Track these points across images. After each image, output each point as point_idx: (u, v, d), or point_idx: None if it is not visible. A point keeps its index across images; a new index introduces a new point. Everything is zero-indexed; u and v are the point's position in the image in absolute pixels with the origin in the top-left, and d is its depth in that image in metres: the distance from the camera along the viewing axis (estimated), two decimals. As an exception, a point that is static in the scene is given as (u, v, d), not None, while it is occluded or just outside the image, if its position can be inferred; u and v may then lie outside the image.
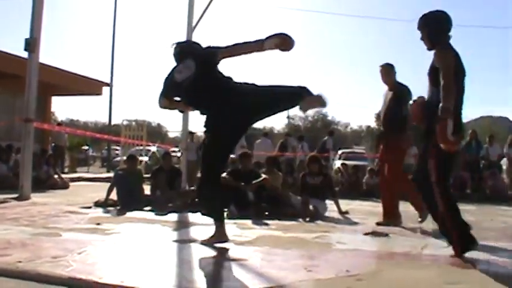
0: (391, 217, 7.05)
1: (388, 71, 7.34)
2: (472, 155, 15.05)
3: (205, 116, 5.02)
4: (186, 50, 5.16)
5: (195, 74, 4.89)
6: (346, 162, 19.52)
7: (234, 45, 4.89)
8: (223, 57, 4.93)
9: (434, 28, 4.79)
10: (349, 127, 72.49)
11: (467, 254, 4.44)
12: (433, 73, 4.61)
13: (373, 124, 65.99)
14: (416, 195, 6.72)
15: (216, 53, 4.92)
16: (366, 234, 5.99)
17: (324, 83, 58.93)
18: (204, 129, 5.06)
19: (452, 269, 4.11)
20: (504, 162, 15.55)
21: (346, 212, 8.42)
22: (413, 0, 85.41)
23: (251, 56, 4.95)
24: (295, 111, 65.31)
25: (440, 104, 4.28)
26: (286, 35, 4.70)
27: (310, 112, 65.78)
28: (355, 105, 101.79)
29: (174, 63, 5.13)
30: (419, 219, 6.99)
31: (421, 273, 3.87)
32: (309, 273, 3.77)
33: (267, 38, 4.68)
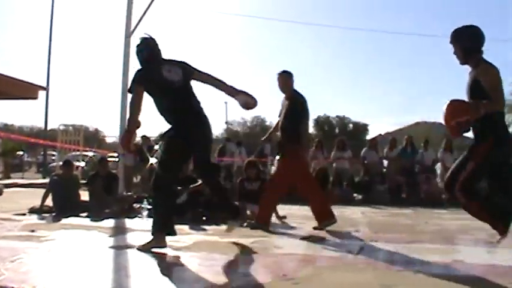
0: (324, 217, 7.02)
1: (285, 79, 7.19)
2: (407, 160, 15.39)
3: (168, 124, 5.29)
4: (156, 50, 5.37)
5: (178, 83, 5.17)
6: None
7: (209, 74, 5.44)
8: (195, 79, 5.37)
9: (470, 44, 4.90)
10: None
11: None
12: (475, 87, 4.77)
13: (310, 129, 66.76)
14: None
15: (194, 72, 5.37)
16: (303, 238, 6.03)
17: (263, 87, 59.17)
18: (162, 135, 5.35)
19: (387, 271, 4.18)
20: (438, 166, 15.95)
21: (284, 217, 8.44)
22: (349, 8, 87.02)
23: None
24: (234, 117, 65.61)
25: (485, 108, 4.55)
26: (255, 99, 5.48)
27: (249, 117, 66.17)
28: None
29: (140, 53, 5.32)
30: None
31: (357, 276, 3.92)
32: (246, 278, 3.77)
33: (241, 92, 5.43)
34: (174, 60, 5.37)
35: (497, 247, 4.96)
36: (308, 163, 8.08)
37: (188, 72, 5.32)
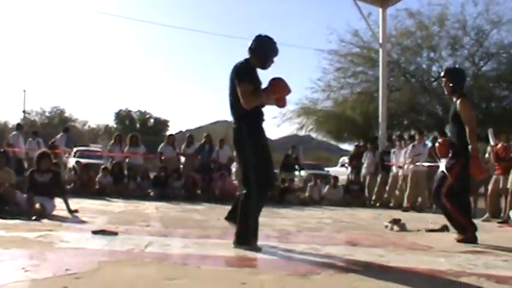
0: None
1: None
2: (204, 158, 15.78)
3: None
4: None
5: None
6: (81, 160, 19.13)
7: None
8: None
9: (459, 81, 6.64)
10: (87, 125, 71.00)
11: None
12: (456, 118, 6.39)
13: (111, 123, 65.62)
14: None
15: None
16: (94, 232, 5.90)
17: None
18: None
19: (172, 265, 4.24)
20: (234, 165, 16.55)
21: (76, 211, 8.23)
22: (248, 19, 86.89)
23: None
24: (32, 107, 62.22)
25: (470, 146, 6.21)
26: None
27: (48, 108, 63.23)
28: (96, 103, 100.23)
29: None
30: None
31: (141, 270, 3.91)
32: (26, 274, 3.59)
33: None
34: None
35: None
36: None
37: None
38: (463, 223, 6.49)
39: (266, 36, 5.51)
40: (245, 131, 5.22)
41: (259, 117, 5.38)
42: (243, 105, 5.14)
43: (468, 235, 6.41)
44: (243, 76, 5.22)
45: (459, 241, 6.38)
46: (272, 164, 5.42)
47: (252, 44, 5.43)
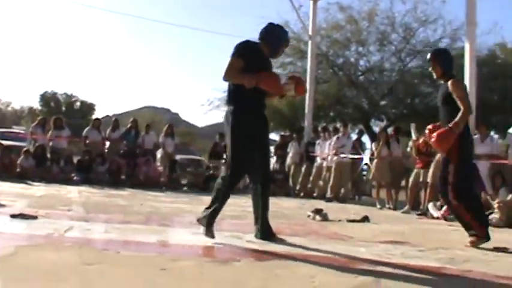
0: None
1: None
2: (129, 143, 15.62)
3: None
4: None
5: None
6: (2, 142, 18.52)
7: None
8: None
9: (448, 63, 6.21)
10: (10, 106, 68.70)
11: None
12: (449, 98, 5.97)
13: (36, 105, 63.76)
14: None
15: None
16: (13, 216, 5.74)
17: None
18: None
19: (92, 250, 4.19)
20: (159, 151, 16.46)
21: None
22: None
23: None
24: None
25: (455, 120, 5.73)
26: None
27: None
28: (20, 84, 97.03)
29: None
30: None
31: (59, 255, 3.85)
32: None
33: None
34: None
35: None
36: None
37: None
38: (472, 223, 5.83)
39: (277, 25, 5.52)
40: (233, 116, 5.16)
41: (252, 103, 5.26)
42: (222, 76, 5.13)
43: (478, 236, 5.78)
44: (236, 51, 5.17)
45: (472, 245, 5.74)
46: (252, 154, 5.24)
47: (262, 32, 5.42)
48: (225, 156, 16.28)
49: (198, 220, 5.18)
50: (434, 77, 6.38)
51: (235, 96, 5.20)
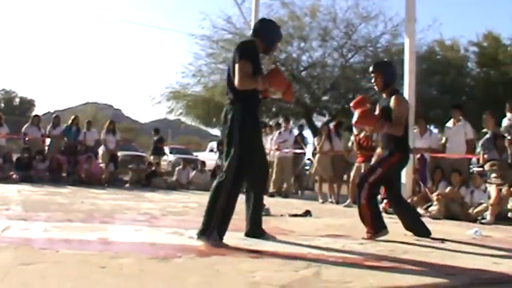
0: None
1: None
2: (70, 140, 15.38)
3: None
4: None
5: None
6: None
7: None
8: None
9: (390, 76, 6.17)
10: None
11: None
12: (386, 112, 5.98)
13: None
14: None
15: None
16: None
17: None
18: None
19: (30, 250, 4.12)
20: (101, 148, 16.25)
21: None
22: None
23: None
24: None
25: (387, 123, 5.86)
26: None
27: None
28: None
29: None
30: None
31: (-4, 256, 3.81)
32: None
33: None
34: None
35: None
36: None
37: None
38: (369, 220, 5.97)
39: (270, 21, 5.48)
40: (237, 116, 4.93)
41: (254, 102, 5.17)
42: (236, 84, 4.87)
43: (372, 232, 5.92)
44: (246, 53, 4.95)
45: (367, 238, 5.85)
46: (258, 155, 5.15)
47: (255, 28, 5.35)
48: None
49: (200, 233, 4.87)
50: (376, 89, 6.38)
51: (243, 96, 4.98)
